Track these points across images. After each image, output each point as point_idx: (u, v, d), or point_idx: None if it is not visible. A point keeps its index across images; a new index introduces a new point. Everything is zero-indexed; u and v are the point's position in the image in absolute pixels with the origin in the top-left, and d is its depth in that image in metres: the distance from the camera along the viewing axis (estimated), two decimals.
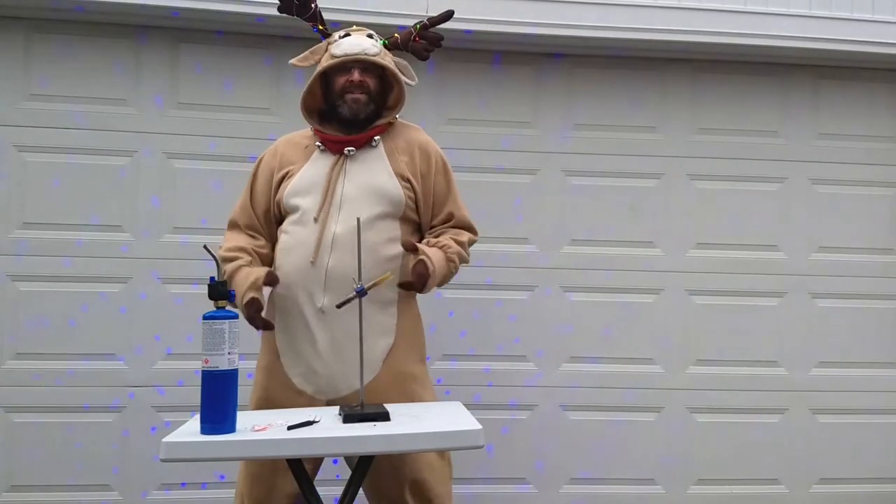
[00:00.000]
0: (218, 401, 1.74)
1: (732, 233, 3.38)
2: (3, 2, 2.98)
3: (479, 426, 1.77)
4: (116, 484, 3.07)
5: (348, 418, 1.83)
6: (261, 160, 2.36)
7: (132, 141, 3.12)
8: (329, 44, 2.28)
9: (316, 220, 2.17)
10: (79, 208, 3.08)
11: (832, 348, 3.40)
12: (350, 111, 2.23)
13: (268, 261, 2.28)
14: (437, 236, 2.29)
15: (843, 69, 3.43)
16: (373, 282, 1.97)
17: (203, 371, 1.74)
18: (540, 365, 3.29)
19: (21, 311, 3.04)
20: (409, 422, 1.83)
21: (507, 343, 3.27)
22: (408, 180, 2.24)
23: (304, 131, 2.37)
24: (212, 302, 1.81)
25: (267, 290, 2.19)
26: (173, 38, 3.15)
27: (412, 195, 2.25)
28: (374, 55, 2.22)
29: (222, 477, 3.03)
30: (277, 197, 2.26)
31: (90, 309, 3.07)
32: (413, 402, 2.15)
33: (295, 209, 2.22)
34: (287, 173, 2.27)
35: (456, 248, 2.24)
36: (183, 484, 3.07)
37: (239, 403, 1.79)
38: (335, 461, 2.79)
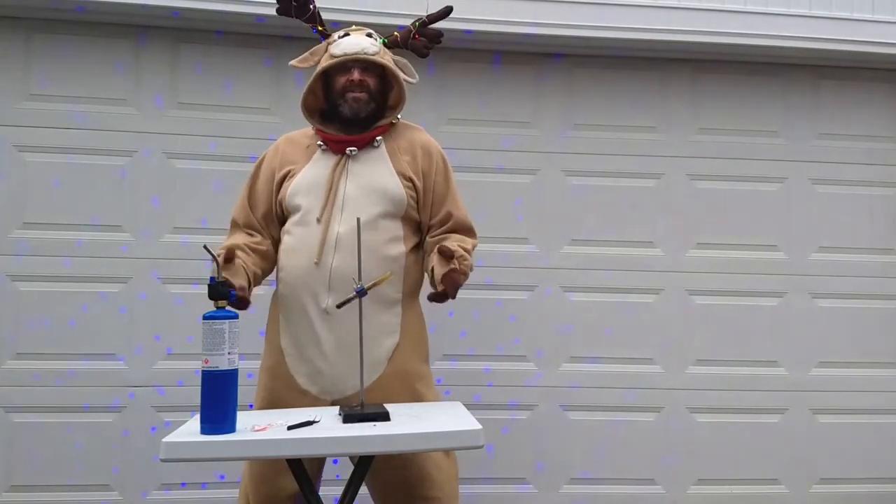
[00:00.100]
0: (218, 401, 1.74)
1: (732, 233, 3.38)
2: (3, 2, 2.98)
3: (479, 426, 1.77)
4: (116, 484, 3.07)
5: (348, 418, 1.83)
6: (262, 159, 2.36)
7: (132, 141, 3.12)
8: (329, 44, 2.28)
9: (318, 220, 2.17)
10: (79, 208, 3.08)
11: (832, 348, 3.39)
12: (351, 110, 2.23)
13: (266, 257, 2.27)
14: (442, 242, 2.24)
15: (843, 69, 3.43)
16: (373, 282, 1.97)
17: (203, 371, 1.74)
18: (540, 365, 3.29)
19: (21, 311, 3.04)
20: (408, 422, 1.83)
21: (507, 343, 3.27)
22: (410, 179, 2.24)
23: (305, 130, 2.37)
24: (212, 302, 1.81)
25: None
26: (173, 38, 3.15)
27: (414, 194, 2.25)
28: (373, 54, 2.22)
29: (222, 477, 3.03)
30: (279, 196, 2.27)
31: (90, 309, 3.07)
32: (417, 401, 2.16)
33: (297, 209, 2.22)
34: (288, 172, 2.27)
35: (469, 259, 2.19)
36: (183, 484, 3.07)
37: (239, 404, 1.79)
38: (335, 461, 2.79)
